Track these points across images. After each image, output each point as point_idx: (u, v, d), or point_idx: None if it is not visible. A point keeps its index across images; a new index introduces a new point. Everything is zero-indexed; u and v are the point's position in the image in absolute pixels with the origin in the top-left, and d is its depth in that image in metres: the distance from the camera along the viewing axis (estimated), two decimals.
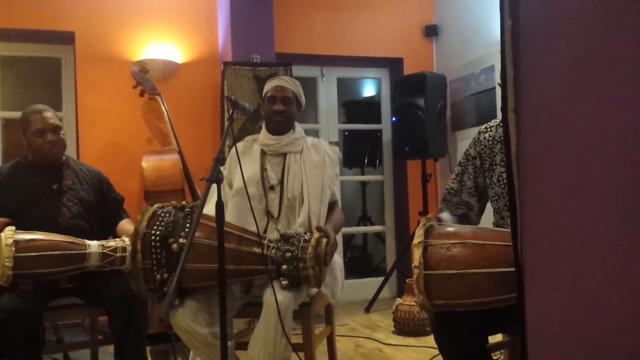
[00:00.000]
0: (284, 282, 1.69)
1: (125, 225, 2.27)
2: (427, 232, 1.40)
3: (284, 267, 1.69)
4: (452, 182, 1.77)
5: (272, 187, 1.99)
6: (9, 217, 2.02)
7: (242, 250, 1.70)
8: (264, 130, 2.09)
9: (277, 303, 1.64)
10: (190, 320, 1.66)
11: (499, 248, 1.33)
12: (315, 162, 2.03)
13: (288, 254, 1.70)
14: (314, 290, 1.88)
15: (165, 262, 1.65)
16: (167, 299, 1.28)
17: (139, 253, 1.65)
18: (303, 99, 2.12)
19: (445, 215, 1.72)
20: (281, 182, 1.99)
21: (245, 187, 1.83)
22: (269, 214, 1.96)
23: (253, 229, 1.77)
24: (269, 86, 2.07)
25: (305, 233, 1.80)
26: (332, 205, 2.07)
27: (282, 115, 2.01)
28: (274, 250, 1.72)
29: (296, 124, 2.11)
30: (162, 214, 1.71)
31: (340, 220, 2.08)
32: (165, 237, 1.66)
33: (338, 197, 2.14)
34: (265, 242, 1.74)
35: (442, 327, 1.47)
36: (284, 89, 2.03)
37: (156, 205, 1.76)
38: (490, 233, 1.43)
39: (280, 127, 2.03)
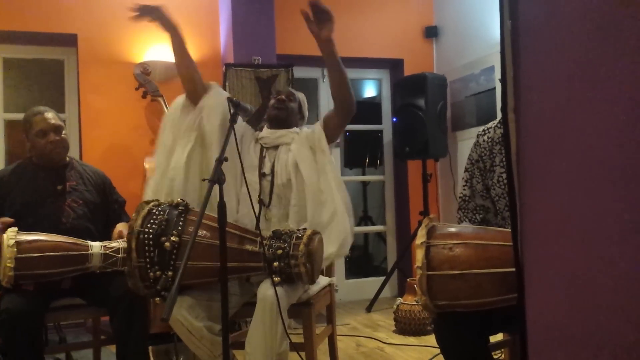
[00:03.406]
0: (276, 279, 1.70)
1: (118, 227, 2.23)
2: (430, 233, 1.40)
3: (276, 264, 1.70)
4: (463, 189, 1.76)
5: (264, 175, 2.04)
6: (14, 218, 2.02)
7: (235, 247, 1.71)
8: (265, 127, 2.17)
9: (276, 294, 1.65)
10: (186, 313, 1.69)
11: (501, 248, 1.33)
12: (305, 154, 2.02)
13: (280, 251, 1.71)
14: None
15: (158, 260, 1.64)
16: (170, 299, 1.28)
17: (134, 251, 1.64)
18: (306, 111, 2.24)
19: (464, 225, 1.71)
20: (272, 170, 2.04)
21: (244, 178, 1.83)
22: (261, 201, 2.00)
23: (249, 216, 1.84)
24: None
25: (297, 230, 1.81)
26: None
27: (283, 104, 2.12)
28: (266, 248, 1.73)
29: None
30: (157, 212, 1.71)
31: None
32: (158, 235, 1.65)
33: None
34: (258, 239, 1.75)
35: (443, 327, 1.47)
36: (292, 92, 2.21)
37: (152, 203, 1.75)
38: (493, 233, 1.43)
39: (279, 114, 2.11)
